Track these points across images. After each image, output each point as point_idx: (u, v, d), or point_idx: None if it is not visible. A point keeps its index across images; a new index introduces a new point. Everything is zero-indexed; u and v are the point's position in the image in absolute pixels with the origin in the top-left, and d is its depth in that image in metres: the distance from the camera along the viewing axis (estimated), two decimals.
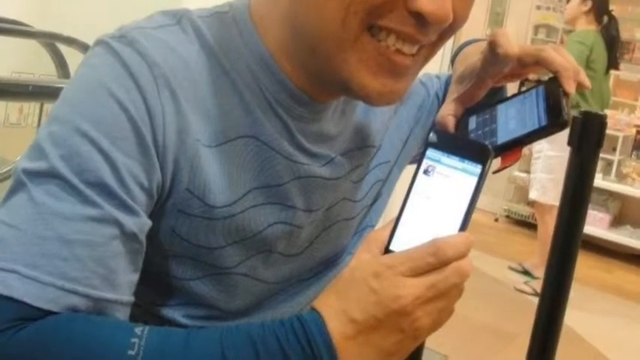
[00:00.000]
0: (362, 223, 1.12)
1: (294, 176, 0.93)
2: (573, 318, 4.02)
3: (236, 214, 0.89)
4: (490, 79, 1.03)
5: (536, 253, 5.50)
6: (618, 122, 6.65)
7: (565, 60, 0.97)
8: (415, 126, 1.18)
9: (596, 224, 6.55)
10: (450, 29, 0.83)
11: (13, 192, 0.77)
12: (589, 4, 5.02)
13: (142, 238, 0.81)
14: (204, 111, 0.86)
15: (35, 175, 0.76)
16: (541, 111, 0.97)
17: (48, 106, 3.05)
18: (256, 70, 0.89)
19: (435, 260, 0.75)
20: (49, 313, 0.73)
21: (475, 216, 0.78)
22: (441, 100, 1.21)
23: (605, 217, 6.72)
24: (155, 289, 0.91)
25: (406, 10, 0.78)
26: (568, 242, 1.02)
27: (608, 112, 5.73)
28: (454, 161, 0.80)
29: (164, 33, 0.86)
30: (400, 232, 0.80)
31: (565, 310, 1.03)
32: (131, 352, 0.72)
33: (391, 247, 0.80)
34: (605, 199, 6.88)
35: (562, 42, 7.03)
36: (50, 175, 0.75)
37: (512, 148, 0.98)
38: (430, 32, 0.82)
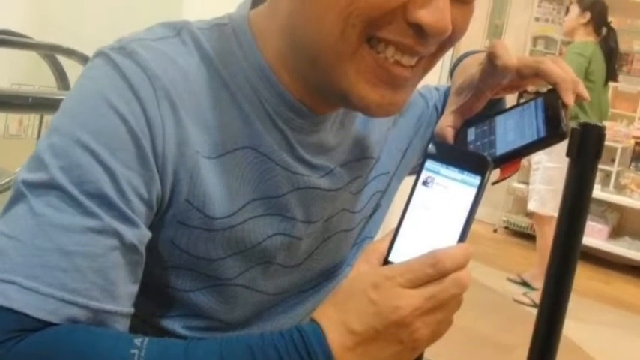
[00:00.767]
0: (361, 234, 1.12)
1: (294, 187, 0.93)
2: (572, 329, 4.01)
3: (235, 226, 0.89)
4: (489, 90, 1.03)
5: (535, 264, 5.49)
6: (617, 134, 6.65)
7: (563, 72, 0.97)
8: (414, 137, 1.18)
9: (594, 235, 6.54)
10: (449, 41, 0.84)
11: (13, 203, 0.77)
12: (588, 16, 5.03)
13: (142, 249, 0.81)
14: (203, 123, 0.86)
15: (35, 186, 0.76)
16: (540, 122, 0.97)
17: (48, 118, 3.05)
18: (255, 82, 0.89)
19: (434, 271, 0.75)
20: (49, 324, 0.73)
21: (474, 227, 0.78)
22: (439, 112, 1.21)
23: (603, 229, 6.71)
24: (154, 300, 0.91)
25: (405, 22, 0.78)
26: (567, 253, 1.02)
27: (606, 123, 5.75)
28: (453, 172, 0.80)
29: (164, 45, 0.86)
30: (399, 243, 0.81)
31: (564, 321, 1.03)
32: None
33: (390, 258, 0.80)
34: (604, 210, 6.87)
35: (561, 54, 7.03)
36: (50, 187, 0.76)
37: (511, 160, 0.98)
38: (429, 44, 0.82)
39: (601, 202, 6.70)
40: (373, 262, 0.80)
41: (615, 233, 6.93)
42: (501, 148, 0.98)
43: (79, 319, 0.75)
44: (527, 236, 7.09)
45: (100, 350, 0.73)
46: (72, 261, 0.74)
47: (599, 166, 1.02)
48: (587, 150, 0.99)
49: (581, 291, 5.36)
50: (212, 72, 0.88)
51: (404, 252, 0.79)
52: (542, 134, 0.96)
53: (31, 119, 3.57)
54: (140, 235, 0.80)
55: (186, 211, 0.85)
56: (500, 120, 1.03)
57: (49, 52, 2.97)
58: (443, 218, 0.79)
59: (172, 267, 0.89)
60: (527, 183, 5.69)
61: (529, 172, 5.34)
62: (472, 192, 0.79)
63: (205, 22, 0.93)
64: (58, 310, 0.73)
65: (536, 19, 7.57)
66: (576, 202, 1.00)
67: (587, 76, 4.89)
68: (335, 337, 0.76)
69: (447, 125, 1.06)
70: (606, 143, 1.01)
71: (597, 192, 6.36)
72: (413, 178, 0.83)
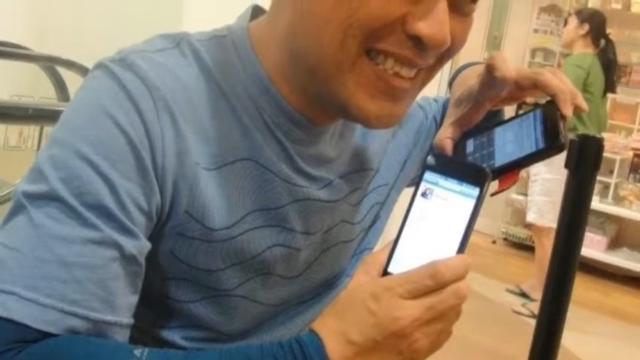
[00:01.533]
0: (360, 245, 1.12)
1: (293, 199, 0.94)
2: (570, 340, 4.00)
3: (235, 237, 0.89)
4: (488, 102, 1.03)
5: (533, 275, 5.49)
6: (615, 145, 6.66)
7: (562, 83, 0.98)
8: (413, 149, 1.18)
9: (593, 246, 6.53)
10: (448, 53, 0.84)
11: (12, 214, 0.77)
12: (586, 28, 5.05)
13: (142, 260, 0.81)
14: (203, 134, 0.86)
15: (35, 197, 0.76)
16: (538, 134, 0.97)
17: (48, 129, 3.05)
18: (255, 94, 0.90)
19: (433, 282, 0.75)
20: (49, 335, 0.73)
21: (473, 238, 0.78)
22: (438, 124, 1.21)
23: (602, 240, 6.71)
24: (154, 311, 0.91)
25: (404, 34, 0.79)
26: (565, 264, 1.02)
27: (605, 135, 5.75)
28: (452, 184, 0.81)
29: (163, 56, 0.86)
30: (398, 254, 0.81)
31: (562, 332, 1.03)
32: None
33: (389, 270, 0.80)
34: (603, 221, 6.87)
35: (559, 65, 7.05)
36: (50, 198, 0.76)
37: (510, 171, 0.98)
38: (428, 56, 0.82)
39: (600, 214, 6.70)
40: (372, 273, 0.80)
41: (614, 244, 6.92)
42: (500, 160, 0.99)
43: (79, 330, 0.75)
44: (525, 247, 7.09)
45: None
46: (71, 272, 0.74)
47: (598, 178, 1.02)
48: (585, 161, 0.99)
49: (580, 302, 5.36)
50: (211, 83, 0.88)
51: (403, 263, 0.79)
52: (541, 146, 0.96)
53: (30, 130, 3.57)
54: (140, 246, 0.80)
55: (186, 223, 0.86)
56: (499, 131, 1.03)
57: (49, 64, 2.98)
58: (442, 229, 0.80)
59: (172, 278, 0.89)
60: (525, 194, 5.68)
61: (528, 183, 5.34)
62: (471, 203, 0.79)
63: (205, 34, 0.93)
64: (58, 321, 0.73)
65: (535, 31, 7.59)
66: (575, 214, 1.00)
67: (585, 88, 4.90)
68: (334, 348, 0.76)
69: (445, 137, 1.06)
70: (605, 154, 1.01)
71: (596, 203, 6.36)
72: (412, 189, 0.83)
